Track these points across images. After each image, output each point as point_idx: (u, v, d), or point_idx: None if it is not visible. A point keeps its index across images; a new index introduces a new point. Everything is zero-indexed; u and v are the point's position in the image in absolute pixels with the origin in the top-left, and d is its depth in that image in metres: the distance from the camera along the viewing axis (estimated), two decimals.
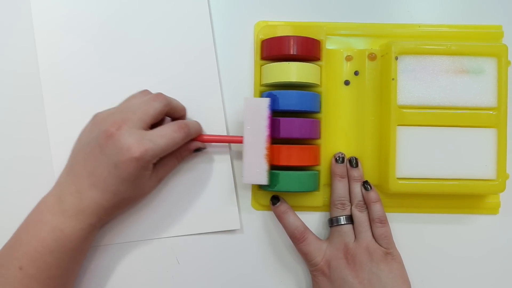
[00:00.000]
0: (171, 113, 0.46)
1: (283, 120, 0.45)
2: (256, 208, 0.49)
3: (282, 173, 0.45)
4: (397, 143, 0.46)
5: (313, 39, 0.47)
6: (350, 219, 0.46)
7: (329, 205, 0.48)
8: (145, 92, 0.46)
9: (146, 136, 0.41)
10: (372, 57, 0.49)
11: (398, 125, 0.46)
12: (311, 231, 0.47)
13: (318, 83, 0.47)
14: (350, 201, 0.47)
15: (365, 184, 0.47)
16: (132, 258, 0.48)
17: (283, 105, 0.45)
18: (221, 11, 0.50)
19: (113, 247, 0.48)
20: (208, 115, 0.49)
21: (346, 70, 0.49)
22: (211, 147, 0.49)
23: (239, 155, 0.49)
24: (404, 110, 0.46)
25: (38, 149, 0.49)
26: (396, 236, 0.46)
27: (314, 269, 0.46)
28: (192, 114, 0.49)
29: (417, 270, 0.47)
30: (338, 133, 0.49)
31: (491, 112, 0.46)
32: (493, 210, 0.49)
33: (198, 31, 0.49)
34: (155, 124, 0.44)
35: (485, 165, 0.46)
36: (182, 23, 0.50)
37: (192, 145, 0.46)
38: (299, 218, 0.47)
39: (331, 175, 0.48)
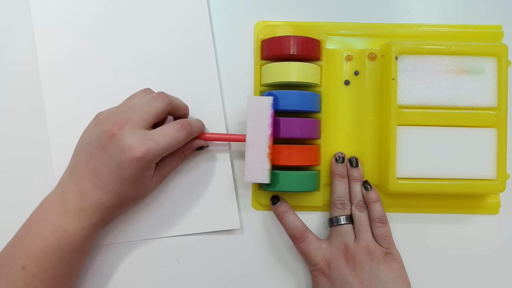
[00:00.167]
0: (174, 112, 0.46)
1: (283, 120, 0.45)
2: (256, 208, 0.49)
3: (282, 173, 0.45)
4: (397, 143, 0.46)
5: (313, 39, 0.47)
6: (350, 219, 0.46)
7: (329, 205, 0.48)
8: (147, 90, 0.46)
9: (148, 136, 0.41)
10: (372, 57, 0.49)
11: (398, 125, 0.46)
12: (311, 231, 0.47)
13: (318, 83, 0.47)
14: (350, 201, 0.47)
15: (365, 184, 0.47)
16: (133, 258, 0.48)
17: (283, 105, 0.45)
18: (221, 11, 0.50)
19: (113, 247, 0.48)
20: (208, 115, 0.49)
21: (346, 70, 0.49)
22: (211, 147, 0.49)
23: (239, 155, 0.49)
24: (404, 110, 0.46)
25: (38, 149, 0.49)
26: (396, 236, 0.46)
27: (314, 269, 0.46)
28: (192, 114, 0.48)
29: (417, 270, 0.47)
30: (338, 133, 0.49)
31: (491, 112, 0.46)
32: (493, 210, 0.49)
33: (198, 31, 0.49)
34: (157, 122, 0.44)
35: (485, 165, 0.46)
36: (182, 23, 0.49)
37: (195, 143, 0.46)
38: (299, 218, 0.47)
39: (331, 175, 0.48)
